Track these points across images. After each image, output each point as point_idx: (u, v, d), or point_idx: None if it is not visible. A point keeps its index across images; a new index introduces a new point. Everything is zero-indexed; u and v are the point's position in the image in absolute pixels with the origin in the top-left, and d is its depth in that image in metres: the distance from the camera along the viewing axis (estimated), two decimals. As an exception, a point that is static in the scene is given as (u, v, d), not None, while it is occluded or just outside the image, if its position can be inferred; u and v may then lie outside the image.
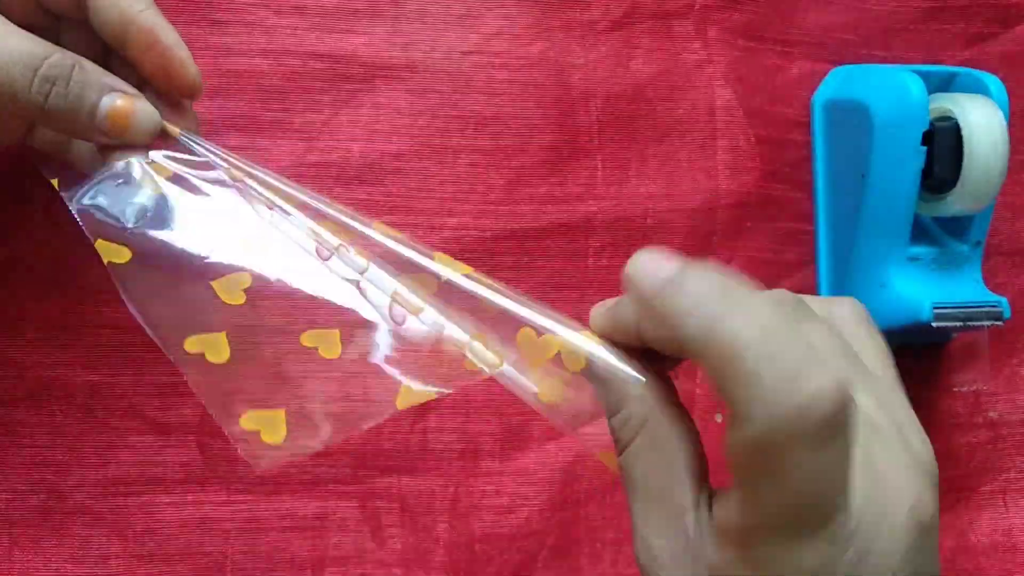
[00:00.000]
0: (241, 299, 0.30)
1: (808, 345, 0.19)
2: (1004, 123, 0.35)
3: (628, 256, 0.39)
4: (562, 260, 0.39)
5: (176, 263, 0.30)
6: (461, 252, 0.38)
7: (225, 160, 0.31)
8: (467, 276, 0.28)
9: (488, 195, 0.39)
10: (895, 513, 0.20)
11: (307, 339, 0.30)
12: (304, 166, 0.38)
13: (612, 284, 0.39)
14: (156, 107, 0.31)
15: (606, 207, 0.39)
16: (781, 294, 0.24)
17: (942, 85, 0.38)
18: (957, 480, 0.41)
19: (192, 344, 0.29)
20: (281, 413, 0.29)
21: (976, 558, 0.41)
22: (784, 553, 0.20)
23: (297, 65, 0.38)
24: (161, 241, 0.30)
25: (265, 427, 0.28)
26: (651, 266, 0.22)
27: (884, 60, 0.42)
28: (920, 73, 0.36)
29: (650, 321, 0.23)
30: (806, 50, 0.41)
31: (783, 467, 0.19)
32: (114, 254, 0.30)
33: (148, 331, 0.29)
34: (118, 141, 0.31)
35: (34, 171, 0.36)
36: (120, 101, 0.30)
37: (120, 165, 0.31)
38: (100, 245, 0.30)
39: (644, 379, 0.24)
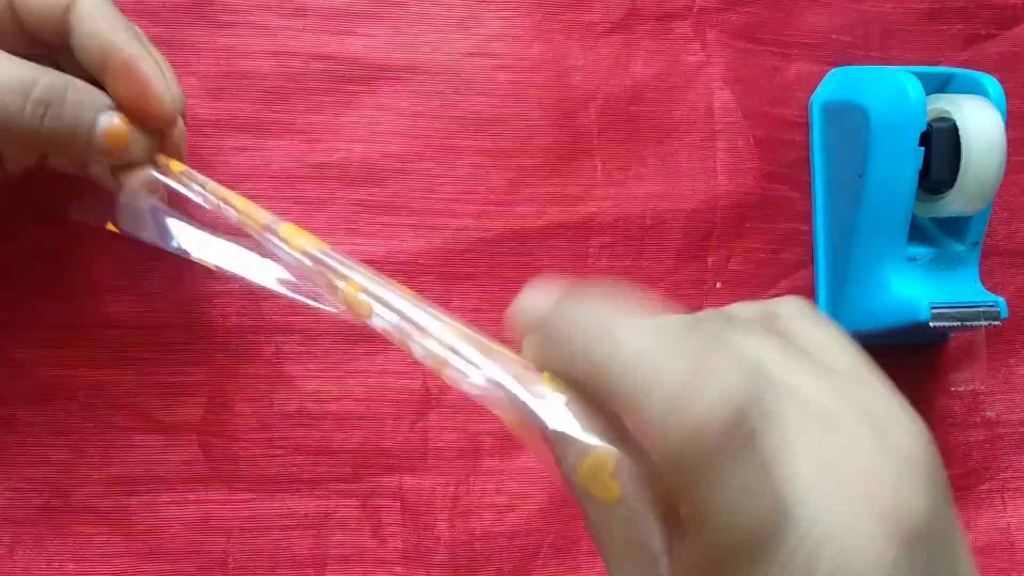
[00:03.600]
0: None
1: (700, 357, 0.18)
2: (1002, 124, 0.35)
3: (628, 256, 0.40)
4: (562, 260, 0.39)
5: None
6: (462, 252, 0.39)
7: (205, 197, 0.31)
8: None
9: (489, 195, 0.39)
10: (860, 516, 0.17)
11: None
12: (306, 167, 0.38)
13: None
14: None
15: (606, 207, 0.40)
16: (681, 317, 0.21)
17: (940, 86, 0.38)
18: (955, 479, 0.41)
19: None
20: None
21: (974, 556, 0.41)
22: None
23: (300, 66, 0.38)
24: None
25: None
26: (530, 303, 0.21)
27: (882, 61, 0.42)
28: (917, 74, 0.36)
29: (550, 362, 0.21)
30: (804, 51, 0.42)
31: (697, 497, 0.17)
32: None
33: None
34: (119, 159, 0.30)
35: (34, 171, 0.36)
36: (117, 119, 0.29)
37: (132, 188, 0.31)
38: None
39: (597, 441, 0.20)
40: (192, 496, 0.37)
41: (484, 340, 0.24)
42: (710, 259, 0.40)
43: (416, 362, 0.38)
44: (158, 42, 0.37)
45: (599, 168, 0.40)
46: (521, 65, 0.39)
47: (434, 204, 0.39)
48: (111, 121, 0.29)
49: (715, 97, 0.41)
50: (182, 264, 0.37)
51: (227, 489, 0.37)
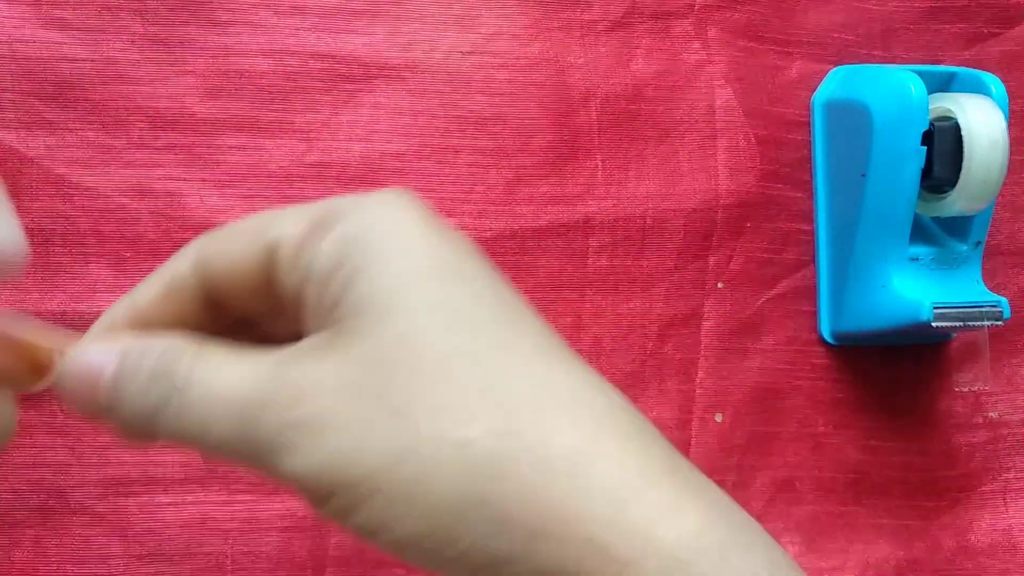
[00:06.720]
0: None
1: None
2: (1004, 123, 0.35)
3: (628, 256, 0.39)
4: (562, 260, 0.39)
5: None
6: (461, 252, 0.38)
7: None
8: None
9: (488, 195, 0.39)
10: None
11: None
12: (304, 166, 0.38)
13: (611, 284, 0.39)
14: None
15: (606, 207, 0.39)
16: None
17: (942, 85, 0.38)
18: (957, 480, 0.41)
19: None
20: None
21: (976, 557, 0.41)
22: None
23: (297, 65, 0.38)
24: None
25: None
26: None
27: (884, 60, 0.42)
28: (920, 73, 0.36)
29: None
30: (806, 50, 0.41)
31: None
32: None
33: None
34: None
35: (35, 171, 0.36)
36: None
37: None
38: None
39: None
40: (190, 497, 0.37)
41: None
42: (711, 259, 0.40)
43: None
44: (156, 40, 0.37)
45: (599, 167, 0.40)
46: (520, 64, 0.39)
47: (432, 203, 0.38)
48: None
49: (716, 96, 0.40)
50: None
51: (225, 490, 0.37)
